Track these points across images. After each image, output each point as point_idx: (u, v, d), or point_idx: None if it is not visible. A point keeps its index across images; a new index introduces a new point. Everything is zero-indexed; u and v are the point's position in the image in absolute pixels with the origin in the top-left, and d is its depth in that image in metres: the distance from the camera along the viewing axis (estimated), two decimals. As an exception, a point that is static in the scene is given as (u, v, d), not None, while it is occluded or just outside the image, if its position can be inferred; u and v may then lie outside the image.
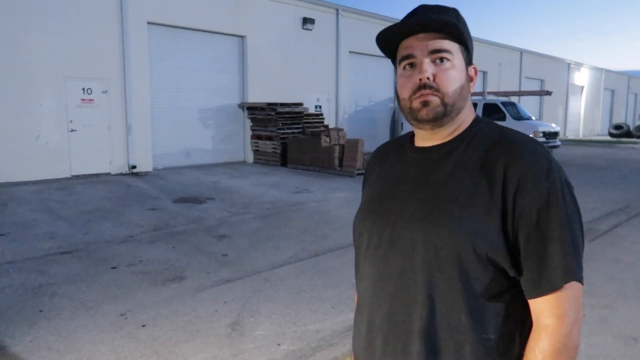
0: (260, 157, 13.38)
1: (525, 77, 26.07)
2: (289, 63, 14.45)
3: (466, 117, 1.07)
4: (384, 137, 17.80)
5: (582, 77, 32.05)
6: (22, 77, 9.56)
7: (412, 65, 1.02)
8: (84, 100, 10.47)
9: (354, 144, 11.66)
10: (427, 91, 0.99)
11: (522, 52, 25.73)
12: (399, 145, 1.17)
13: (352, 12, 16.34)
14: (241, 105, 13.56)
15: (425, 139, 1.08)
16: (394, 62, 1.08)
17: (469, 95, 1.06)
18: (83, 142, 10.47)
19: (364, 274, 1.11)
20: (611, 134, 29.83)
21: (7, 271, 4.64)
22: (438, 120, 1.00)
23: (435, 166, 1.03)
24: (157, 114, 11.78)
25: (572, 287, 0.93)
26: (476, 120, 1.08)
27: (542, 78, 27.59)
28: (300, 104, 13.62)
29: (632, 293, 4.28)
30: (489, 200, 0.95)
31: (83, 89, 10.43)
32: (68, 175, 10.18)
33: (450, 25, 0.98)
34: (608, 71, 36.47)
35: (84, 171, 10.45)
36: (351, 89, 16.64)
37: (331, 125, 14.55)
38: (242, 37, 13.37)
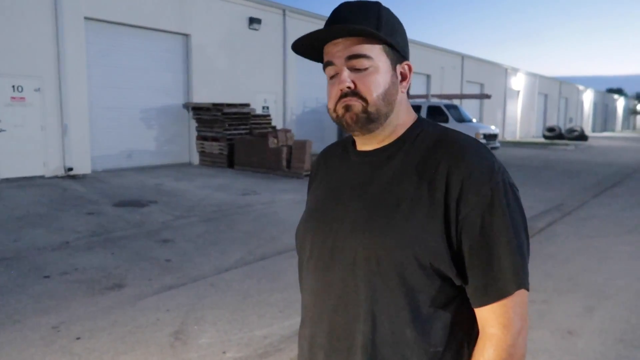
0: (207, 159, 13.08)
1: (467, 81, 27.05)
2: (235, 63, 14.23)
3: (403, 118, 1.01)
4: (331, 138, 17.89)
5: (518, 82, 33.64)
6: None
7: (334, 72, 0.98)
8: (14, 98, 9.83)
9: (302, 145, 11.62)
10: (349, 98, 0.95)
11: (463, 56, 26.67)
12: (343, 148, 1.11)
13: (299, 13, 16.33)
14: (186, 106, 13.21)
15: (363, 142, 1.03)
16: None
17: (400, 95, 1.00)
18: (13, 143, 9.83)
19: (306, 287, 1.06)
20: (545, 136, 31.48)
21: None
22: (364, 126, 0.96)
23: (375, 171, 0.99)
24: (96, 113, 11.25)
25: (518, 294, 0.90)
26: (417, 122, 1.03)
27: (482, 82, 28.71)
28: (247, 105, 13.44)
29: (566, 288, 4.48)
30: (431, 206, 0.90)
31: (13, 87, 9.79)
32: (-3, 178, 9.52)
33: (365, 32, 0.93)
34: (542, 77, 38.53)
35: (15, 174, 9.81)
36: (298, 91, 16.61)
37: (278, 127, 14.45)
38: (186, 35, 13.03)
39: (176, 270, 4.77)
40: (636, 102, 77.49)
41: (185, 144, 13.33)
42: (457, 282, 0.92)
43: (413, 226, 0.90)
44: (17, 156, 9.87)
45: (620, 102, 69.98)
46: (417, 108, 16.99)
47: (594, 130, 52.29)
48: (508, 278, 0.89)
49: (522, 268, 0.90)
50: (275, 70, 15.72)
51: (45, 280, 4.45)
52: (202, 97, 13.24)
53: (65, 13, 10.33)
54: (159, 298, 4.08)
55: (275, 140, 11.86)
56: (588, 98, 51.91)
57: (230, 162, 12.52)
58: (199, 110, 13.00)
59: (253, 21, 14.61)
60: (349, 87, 0.94)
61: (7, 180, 9.56)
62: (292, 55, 16.08)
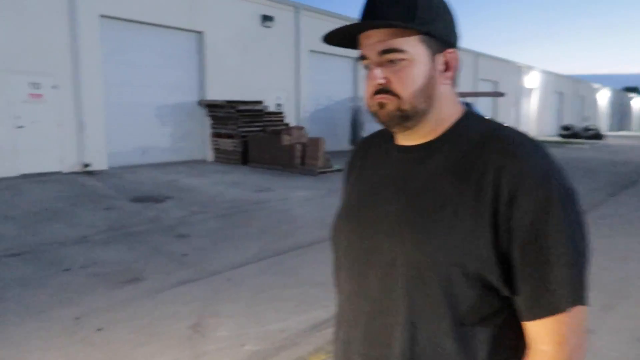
0: (221, 156, 13.17)
1: (480, 79, 26.85)
2: (248, 60, 14.29)
3: (448, 112, 0.93)
4: (344, 136, 17.89)
5: (533, 80, 33.29)
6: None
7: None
8: (31, 95, 9.99)
9: (315, 142, 11.65)
10: (383, 95, 0.89)
11: (477, 54, 26.46)
12: (384, 139, 1.03)
13: (312, 10, 16.33)
14: (200, 103, 13.31)
15: (404, 137, 0.95)
16: None
17: (443, 87, 0.91)
18: (32, 139, 9.99)
19: (342, 287, 1.02)
20: (561, 135, 31.15)
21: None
22: (400, 124, 0.90)
23: (417, 169, 0.92)
24: (112, 110, 11.38)
25: (575, 309, 0.82)
26: (464, 116, 0.94)
27: (496, 80, 28.48)
28: (261, 102, 13.50)
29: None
30: (478, 209, 0.83)
31: (31, 84, 9.95)
32: (16, 174, 9.68)
33: (397, 25, 0.86)
34: (557, 75, 38.09)
35: (33, 170, 9.97)
36: (311, 88, 16.63)
37: (291, 124, 14.49)
38: (199, 33, 13.11)
39: (192, 265, 4.83)
40: (653, 100, 76.21)
41: (199, 141, 13.42)
42: (505, 293, 0.85)
43: (458, 231, 0.84)
44: (35, 152, 10.03)
45: (637, 101, 68.92)
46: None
47: (610, 129, 51.58)
48: (564, 292, 0.81)
49: (581, 281, 0.82)
50: (288, 67, 15.76)
51: (66, 273, 4.53)
52: (215, 94, 13.32)
53: (81, 11, 10.46)
54: (176, 292, 4.14)
55: (289, 138, 11.91)
56: (604, 96, 51.20)
57: (244, 159, 12.60)
58: (213, 108, 13.09)
59: (266, 19, 14.65)
60: (381, 84, 0.89)
61: (26, 175, 9.72)
62: (305, 53, 16.12)
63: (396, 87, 0.88)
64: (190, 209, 7.30)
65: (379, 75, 0.89)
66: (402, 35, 0.87)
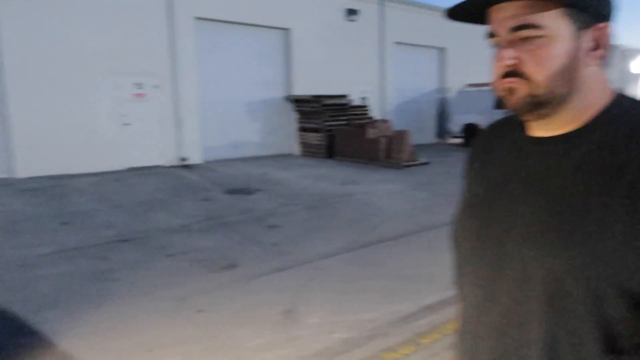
0: (307, 150, 13.46)
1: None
2: (333, 55, 14.44)
3: (594, 98, 0.78)
4: (430, 129, 17.52)
5: (638, 65, 30.34)
6: (78, 74, 9.99)
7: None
8: (136, 95, 10.84)
9: (400, 135, 11.54)
10: (511, 79, 0.77)
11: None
12: (511, 128, 0.89)
13: (398, 1, 16.11)
14: (287, 98, 13.68)
15: (538, 126, 0.82)
16: None
17: (589, 70, 0.77)
18: (136, 136, 10.86)
19: (466, 294, 0.91)
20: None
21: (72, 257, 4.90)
22: (533, 112, 0.78)
23: (554, 165, 0.79)
24: (206, 107, 12.05)
25: None
26: (615, 102, 0.79)
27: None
28: (345, 96, 13.60)
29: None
30: (634, 214, 0.69)
31: (135, 84, 10.80)
32: (123, 167, 10.59)
33: None
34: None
35: (138, 163, 10.84)
36: (397, 80, 16.44)
37: (377, 117, 14.45)
38: (287, 29, 13.45)
39: (283, 254, 5.02)
40: None
41: (287, 135, 13.81)
42: None
43: (607, 240, 0.70)
44: (140, 147, 10.90)
45: None
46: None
47: None
48: None
49: None
50: (373, 60, 15.69)
51: (169, 258, 4.91)
52: (301, 89, 13.62)
53: (178, 15, 11.16)
54: (269, 279, 4.34)
55: (374, 131, 11.89)
56: None
57: (330, 152, 12.77)
58: (299, 103, 13.40)
59: (350, 12, 14.69)
60: (510, 65, 0.77)
61: (132, 169, 10.59)
62: (390, 45, 15.96)
63: (529, 69, 0.76)
64: (280, 200, 7.56)
65: (509, 55, 0.76)
66: (541, 9, 0.73)
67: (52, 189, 8.14)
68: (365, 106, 14.30)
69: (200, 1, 11.54)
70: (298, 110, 13.53)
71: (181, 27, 11.25)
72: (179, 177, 9.76)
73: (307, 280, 4.30)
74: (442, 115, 17.76)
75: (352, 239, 5.55)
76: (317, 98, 12.85)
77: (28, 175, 9.23)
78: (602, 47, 0.77)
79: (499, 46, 0.78)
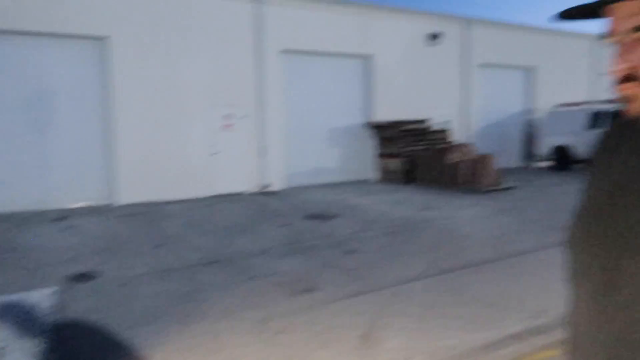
0: (385, 175, 13.43)
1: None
2: (414, 79, 14.41)
3: None
4: (516, 152, 16.78)
5: None
6: (175, 108, 10.84)
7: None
8: (225, 125, 11.50)
9: (482, 159, 11.17)
10: (630, 84, 0.71)
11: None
12: (632, 133, 0.82)
13: (483, 23, 15.78)
14: (366, 124, 13.80)
15: None
16: None
17: None
18: (224, 164, 11.48)
19: (577, 307, 0.86)
20: None
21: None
22: None
23: None
24: (289, 135, 12.48)
25: None
26: None
27: None
28: (424, 121, 13.47)
29: None
30: None
31: (224, 116, 11.47)
32: (211, 194, 11.19)
33: None
34: None
35: (225, 190, 11.41)
36: (480, 103, 16.01)
37: (460, 141, 14.11)
38: (368, 56, 13.67)
39: (362, 278, 5.02)
40: None
41: (365, 161, 13.89)
42: None
43: None
44: (226, 175, 11.49)
45: None
46: (574, 116, 14.35)
47: None
48: None
49: None
50: (456, 83, 15.44)
51: (251, 280, 5.09)
52: (382, 114, 13.69)
53: (265, 49, 11.79)
54: (347, 303, 4.35)
55: (453, 155, 11.62)
56: None
57: (409, 178, 12.64)
58: (378, 128, 13.47)
59: (434, 36, 14.64)
60: (631, 68, 0.70)
61: (218, 196, 11.17)
62: (474, 67, 15.63)
63: None
64: (358, 226, 7.58)
65: (627, 58, 0.70)
66: None
67: (147, 215, 8.79)
68: (445, 130, 14.04)
69: (285, 34, 12.11)
70: (377, 136, 13.59)
71: (268, 60, 11.86)
72: (262, 203, 10.13)
73: (386, 305, 4.26)
74: (530, 138, 16.95)
75: (432, 265, 5.43)
76: (396, 123, 12.85)
77: (127, 202, 10.06)
78: None
79: (617, 47, 0.73)
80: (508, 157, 15.99)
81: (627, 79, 0.71)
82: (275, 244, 6.60)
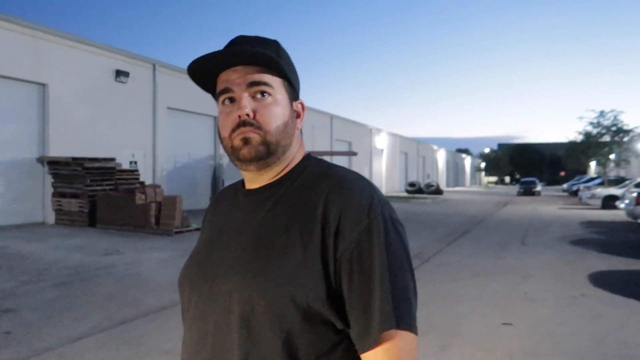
0: (64, 218, 11.97)
1: (336, 139, 28.69)
2: (100, 116, 13.52)
3: (295, 154, 0.96)
4: (205, 194, 17.56)
5: (382, 141, 36.54)
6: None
7: (231, 99, 0.91)
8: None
9: (172, 201, 11.23)
10: (248, 128, 0.88)
11: (332, 116, 28.38)
12: (235, 189, 1.03)
13: (170, 68, 16.17)
14: (40, 160, 12.11)
15: (253, 180, 0.96)
16: (214, 96, 0.96)
17: (296, 131, 0.97)
18: None
19: (185, 337, 0.97)
20: (407, 191, 34.27)
21: None
22: (262, 160, 0.89)
23: (257, 209, 0.91)
24: None
25: (402, 337, 0.80)
26: (305, 158, 0.98)
27: (350, 140, 30.68)
28: (113, 159, 12.73)
29: (423, 329, 4.79)
30: (309, 242, 0.82)
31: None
32: None
33: (268, 58, 0.88)
34: (402, 137, 42.38)
35: None
36: (169, 146, 16.20)
37: (148, 182, 13.84)
38: (43, 84, 12.14)
39: (17, 344, 4.20)
40: (480, 160, 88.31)
41: (38, 202, 12.09)
42: (340, 326, 0.83)
43: (288, 264, 0.82)
44: None
45: (468, 161, 79.32)
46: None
47: (447, 185, 58.21)
48: (386, 320, 0.79)
49: (404, 309, 0.81)
50: (145, 124, 15.22)
51: None
52: (60, 150, 12.26)
53: None
54: (-7, 377, 3.55)
55: (143, 196, 11.32)
56: (441, 156, 58.03)
57: (92, 220, 11.61)
58: (56, 165, 11.99)
59: (120, 74, 14.14)
60: (248, 115, 0.88)
61: None
62: (163, 110, 15.78)
63: (262, 120, 0.89)
64: (22, 278, 6.43)
65: (249, 105, 0.88)
66: (269, 74, 0.90)
67: None
68: (134, 170, 13.61)
69: None
70: (54, 174, 12.08)
71: None
72: None
73: (46, 372, 3.66)
74: (217, 181, 18.06)
75: (107, 316, 5.00)
76: (78, 160, 11.71)
77: None
78: (300, 117, 0.99)
79: (235, 99, 0.90)
80: (198, 198, 16.60)
81: (245, 124, 0.88)
82: None
